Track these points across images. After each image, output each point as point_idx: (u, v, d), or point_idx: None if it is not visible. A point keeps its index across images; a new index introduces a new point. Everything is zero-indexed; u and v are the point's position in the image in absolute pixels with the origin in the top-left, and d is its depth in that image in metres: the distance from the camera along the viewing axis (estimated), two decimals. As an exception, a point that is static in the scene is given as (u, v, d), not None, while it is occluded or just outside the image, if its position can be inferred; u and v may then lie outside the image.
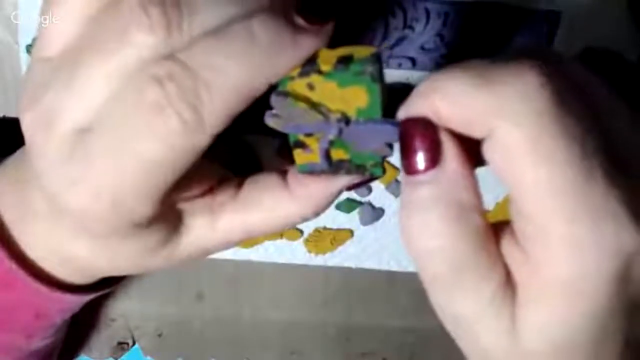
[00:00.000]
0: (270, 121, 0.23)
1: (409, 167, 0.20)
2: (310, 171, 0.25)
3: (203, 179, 0.25)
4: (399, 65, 0.35)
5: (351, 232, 0.40)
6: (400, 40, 0.34)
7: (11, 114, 0.36)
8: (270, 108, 0.23)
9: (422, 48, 0.34)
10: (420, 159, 0.20)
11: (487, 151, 0.19)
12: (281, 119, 0.23)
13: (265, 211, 0.26)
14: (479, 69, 0.19)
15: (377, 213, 0.39)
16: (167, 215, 0.25)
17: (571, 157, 0.18)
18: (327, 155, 0.24)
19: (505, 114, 0.18)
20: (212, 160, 0.25)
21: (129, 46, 0.20)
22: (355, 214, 0.39)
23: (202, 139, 0.21)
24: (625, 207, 0.19)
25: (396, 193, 0.38)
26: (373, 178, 0.25)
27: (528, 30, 0.34)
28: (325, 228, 0.40)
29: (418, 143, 0.20)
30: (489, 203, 0.39)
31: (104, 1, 0.21)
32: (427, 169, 0.20)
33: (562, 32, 0.34)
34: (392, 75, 0.35)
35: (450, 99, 0.19)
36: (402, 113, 0.21)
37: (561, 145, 0.18)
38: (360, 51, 0.21)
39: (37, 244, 0.27)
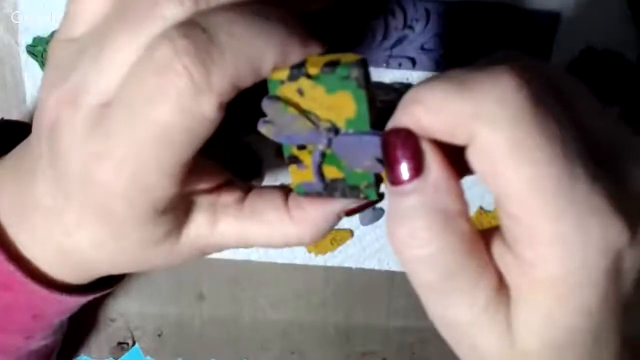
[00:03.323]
0: (262, 128, 0.23)
1: (394, 178, 0.20)
2: (307, 192, 0.25)
3: (212, 175, 0.26)
4: (399, 65, 0.35)
5: (351, 232, 0.40)
6: (400, 40, 0.34)
7: (11, 115, 0.36)
8: (263, 115, 0.23)
9: (422, 48, 0.34)
10: (404, 169, 0.20)
11: (471, 157, 0.19)
12: (273, 126, 0.23)
13: (264, 226, 0.26)
14: (457, 77, 0.19)
15: (377, 213, 0.39)
16: (177, 205, 0.25)
17: (552, 155, 0.18)
18: (320, 172, 0.24)
19: (484, 118, 0.18)
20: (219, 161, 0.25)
21: (158, 18, 0.21)
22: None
23: (209, 105, 0.21)
24: (609, 202, 0.19)
25: (396, 193, 0.38)
26: (370, 203, 0.25)
27: (528, 30, 0.34)
28: (325, 228, 0.40)
29: (400, 153, 0.20)
30: (489, 204, 0.39)
31: None
32: (411, 178, 0.20)
33: (562, 32, 0.34)
34: (392, 75, 0.35)
35: (430, 108, 0.19)
36: (388, 126, 0.21)
37: (541, 144, 0.18)
38: (347, 57, 0.21)
39: (35, 242, 0.27)
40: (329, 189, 0.25)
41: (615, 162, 0.20)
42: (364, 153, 0.22)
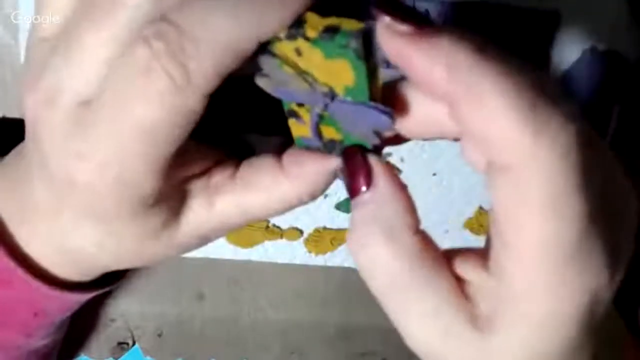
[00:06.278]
0: (260, 82, 0.22)
1: (351, 190, 0.23)
2: (306, 147, 0.25)
3: (201, 157, 0.25)
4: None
5: (351, 232, 0.40)
6: (400, 40, 0.34)
7: (11, 114, 0.36)
8: (261, 68, 0.22)
9: (422, 48, 0.34)
10: (358, 182, 0.22)
11: (497, 180, 0.19)
12: (270, 81, 0.22)
13: (261, 192, 0.26)
14: (528, 91, 0.18)
15: (377, 213, 0.39)
16: (168, 195, 0.25)
17: (582, 216, 0.19)
18: (317, 131, 0.24)
19: (538, 162, 0.18)
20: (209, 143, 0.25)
21: (121, 8, 0.21)
22: (355, 214, 0.39)
23: (194, 98, 0.21)
24: (604, 250, 0.19)
25: (396, 193, 0.38)
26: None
27: (528, 30, 0.34)
28: (325, 228, 0.40)
29: (355, 168, 0.23)
30: (489, 203, 0.39)
31: None
32: (364, 190, 0.22)
33: (562, 32, 0.34)
34: (392, 75, 0.35)
35: (485, 106, 0.18)
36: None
37: (578, 204, 0.18)
38: (349, 24, 0.20)
39: (36, 240, 0.27)
40: (327, 147, 0.24)
41: (616, 208, 0.20)
42: (361, 123, 0.22)
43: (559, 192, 0.18)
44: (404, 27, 0.19)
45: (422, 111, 0.22)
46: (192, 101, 0.21)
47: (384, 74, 0.22)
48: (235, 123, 0.33)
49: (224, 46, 0.20)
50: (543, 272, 0.19)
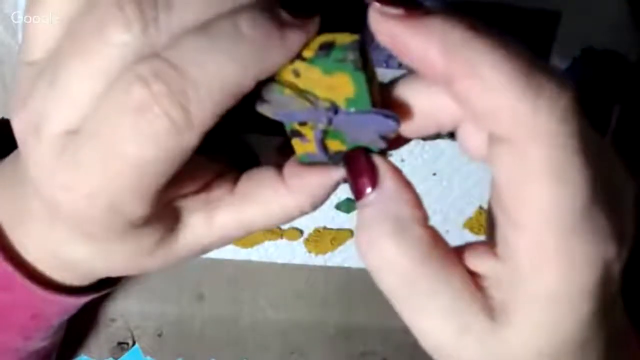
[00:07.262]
0: (260, 108, 0.23)
1: (356, 192, 0.23)
2: (311, 162, 0.25)
3: (197, 175, 0.25)
4: (399, 66, 0.35)
5: (351, 232, 0.40)
6: (400, 40, 0.34)
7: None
8: (260, 95, 0.22)
9: (422, 48, 0.34)
10: (363, 183, 0.22)
11: (499, 154, 0.19)
12: (271, 106, 0.22)
13: (261, 205, 0.26)
14: (523, 64, 0.18)
15: (377, 213, 0.39)
16: (163, 214, 0.24)
17: (586, 181, 0.18)
18: (323, 146, 0.24)
19: (539, 129, 0.18)
20: (207, 156, 0.25)
21: (106, 44, 0.20)
22: (355, 214, 0.39)
23: (192, 138, 0.20)
24: (608, 221, 0.19)
25: (396, 193, 0.38)
26: None
27: (528, 30, 0.34)
28: (325, 228, 0.40)
29: (359, 170, 0.23)
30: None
31: (83, 0, 0.21)
32: (369, 191, 0.22)
33: (562, 32, 0.34)
34: (392, 75, 0.35)
35: (485, 83, 0.18)
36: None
37: (581, 169, 0.18)
38: (343, 38, 0.21)
39: (33, 245, 0.27)
40: (332, 160, 0.24)
41: (616, 185, 0.20)
42: (366, 130, 0.22)
43: (560, 158, 0.18)
44: (395, 10, 0.19)
45: (417, 108, 0.22)
46: (190, 141, 0.20)
47: (384, 75, 0.22)
48: (235, 123, 0.33)
49: (224, 88, 0.20)
50: (549, 243, 0.19)
